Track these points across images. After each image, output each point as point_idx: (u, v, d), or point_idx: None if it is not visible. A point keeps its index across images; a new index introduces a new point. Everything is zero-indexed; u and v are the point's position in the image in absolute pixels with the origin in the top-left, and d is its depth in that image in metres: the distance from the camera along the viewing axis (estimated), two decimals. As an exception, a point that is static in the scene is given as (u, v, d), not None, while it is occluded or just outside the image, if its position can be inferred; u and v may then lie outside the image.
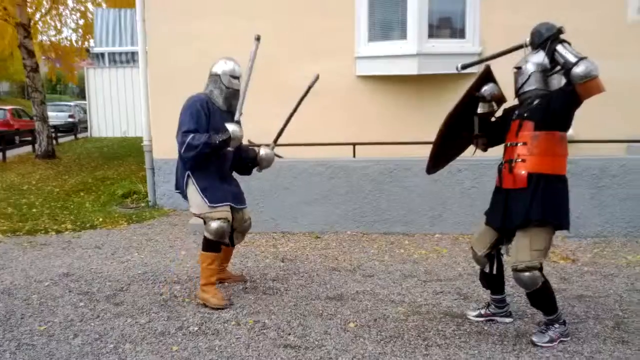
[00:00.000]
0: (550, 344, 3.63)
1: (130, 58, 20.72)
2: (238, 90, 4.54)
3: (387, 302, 4.48)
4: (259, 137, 7.74)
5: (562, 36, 3.51)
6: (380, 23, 7.86)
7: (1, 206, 8.75)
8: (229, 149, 4.38)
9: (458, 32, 7.82)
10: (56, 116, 23.54)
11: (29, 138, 18.09)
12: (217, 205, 4.39)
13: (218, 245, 4.47)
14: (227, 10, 7.95)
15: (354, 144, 7.11)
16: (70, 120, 25.40)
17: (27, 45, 14.86)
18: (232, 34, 7.89)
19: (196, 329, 4.01)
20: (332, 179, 6.65)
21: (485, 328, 3.95)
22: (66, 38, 18.25)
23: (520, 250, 3.60)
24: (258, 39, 4.56)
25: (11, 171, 13.22)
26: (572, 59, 3.34)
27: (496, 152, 7.01)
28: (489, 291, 4.13)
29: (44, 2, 16.39)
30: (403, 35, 7.62)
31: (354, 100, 7.86)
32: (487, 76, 3.85)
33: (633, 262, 5.46)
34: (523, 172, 3.58)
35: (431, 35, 7.61)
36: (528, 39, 3.61)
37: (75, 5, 17.47)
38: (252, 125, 7.87)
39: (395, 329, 3.95)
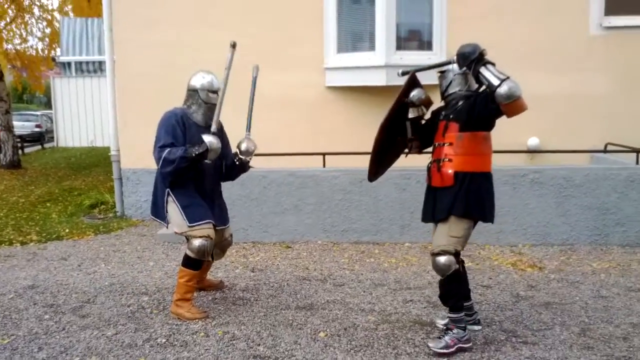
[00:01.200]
0: (445, 350, 3.66)
1: (98, 67, 20.49)
2: (214, 105, 4.41)
3: (357, 311, 4.49)
4: (231, 144, 7.73)
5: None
6: (348, 34, 7.91)
7: (-37, 218, 8.53)
8: (207, 161, 4.25)
9: (426, 45, 7.91)
10: (22, 126, 23.04)
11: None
12: (198, 223, 4.27)
13: (199, 263, 4.36)
14: (195, 20, 7.92)
15: (324, 154, 7.12)
16: (37, 129, 24.89)
17: (-9, 53, 14.58)
18: (199, 44, 7.88)
19: (164, 340, 3.95)
20: (302, 189, 6.65)
21: (454, 336, 3.98)
22: (32, 47, 17.83)
23: (438, 236, 3.77)
24: (234, 46, 4.44)
25: (-26, 182, 12.90)
26: (494, 81, 3.46)
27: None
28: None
29: (9, 11, 16.13)
30: (371, 47, 7.68)
31: (324, 111, 7.89)
32: (414, 82, 3.97)
33: (598, 269, 5.57)
34: (450, 171, 3.73)
35: (399, 47, 7.68)
36: (455, 57, 3.71)
37: (41, 13, 17.16)
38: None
39: (365, 338, 3.96)
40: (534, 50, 7.57)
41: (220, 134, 4.47)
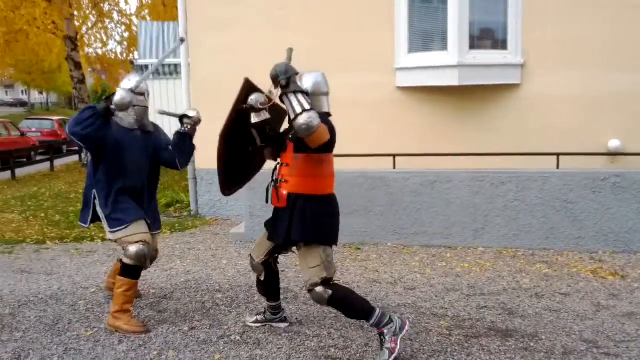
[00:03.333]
0: (394, 354, 3.54)
1: (173, 70, 21.04)
2: (145, 107, 4.34)
3: (429, 315, 4.43)
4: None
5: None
6: (420, 34, 7.82)
7: (50, 214, 8.99)
8: (118, 113, 4.05)
9: (500, 44, 7.73)
10: (101, 127, 24.05)
11: (76, 148, 18.61)
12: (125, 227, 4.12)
13: (139, 270, 4.19)
14: (266, 23, 8.03)
15: (394, 155, 7.07)
16: (114, 130, 25.94)
17: (74, 57, 15.30)
18: (270, 46, 7.95)
19: (238, 338, 4.03)
20: (372, 190, 6.62)
21: (532, 344, 3.86)
22: (111, 50, 18.63)
23: (303, 272, 3.73)
24: (182, 40, 4.99)
25: (59, 180, 13.60)
26: (296, 110, 3.27)
27: (543, 164, 6.87)
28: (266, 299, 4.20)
29: (91, 16, 16.88)
30: (444, 47, 7.56)
31: (394, 112, 7.84)
32: (249, 87, 3.79)
33: (685, 279, 5.27)
34: (285, 192, 3.65)
35: (472, 46, 7.53)
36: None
37: (120, 18, 17.86)
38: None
39: (438, 344, 3.89)
40: (614, 47, 7.24)
41: (157, 132, 4.52)
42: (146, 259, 4.15)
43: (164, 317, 4.44)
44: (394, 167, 7.05)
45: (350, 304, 3.67)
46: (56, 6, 14.08)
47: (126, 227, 4.11)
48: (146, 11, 18.59)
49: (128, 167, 4.23)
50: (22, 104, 55.85)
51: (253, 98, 3.74)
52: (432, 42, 7.80)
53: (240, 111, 3.77)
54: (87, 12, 16.73)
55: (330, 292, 3.60)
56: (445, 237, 6.52)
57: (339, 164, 7.00)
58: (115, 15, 17.75)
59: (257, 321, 4.22)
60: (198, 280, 5.41)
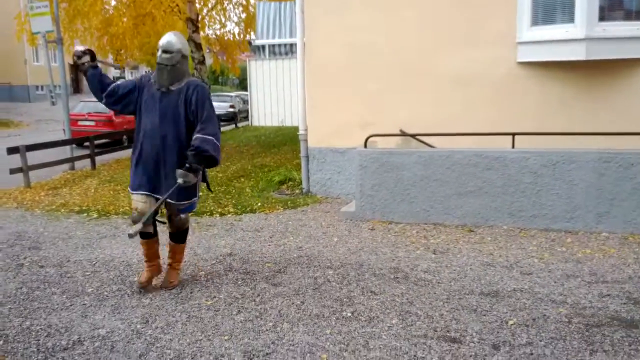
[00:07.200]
0: None
1: (289, 50, 21.39)
2: (166, 66, 4.40)
3: (547, 301, 4.25)
4: (412, 124, 7.69)
5: None
6: (544, 6, 7.38)
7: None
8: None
9: (633, 15, 7.13)
10: (218, 106, 24.84)
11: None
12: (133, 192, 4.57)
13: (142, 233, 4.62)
14: (383, 1, 7.92)
15: (513, 134, 6.77)
16: (231, 110, 26.95)
17: (195, 39, 15.90)
18: (388, 25, 7.89)
19: (349, 314, 4.08)
20: (488, 170, 6.41)
21: (661, 338, 3.60)
22: (229, 31, 19.16)
23: None
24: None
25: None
26: None
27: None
28: None
29: (211, -2, 17.45)
30: (570, 19, 7.10)
31: (514, 88, 7.49)
32: None
33: None
34: None
35: (602, 18, 7.01)
36: None
37: (238, -1, 18.33)
38: (406, 113, 7.86)
39: (556, 331, 3.74)
40: None
41: (177, 95, 4.48)
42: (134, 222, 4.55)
43: (278, 291, 4.59)
44: (513, 147, 6.77)
45: None
46: (179, -12, 14.68)
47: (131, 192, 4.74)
48: (262, -9, 18.97)
49: (146, 132, 4.67)
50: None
51: None
52: (557, 14, 7.34)
53: None
54: (208, -7, 17.27)
55: None
56: (566, 221, 6.20)
57: (454, 143, 6.90)
58: (234, -4, 18.20)
59: None
60: (310, 257, 5.53)
